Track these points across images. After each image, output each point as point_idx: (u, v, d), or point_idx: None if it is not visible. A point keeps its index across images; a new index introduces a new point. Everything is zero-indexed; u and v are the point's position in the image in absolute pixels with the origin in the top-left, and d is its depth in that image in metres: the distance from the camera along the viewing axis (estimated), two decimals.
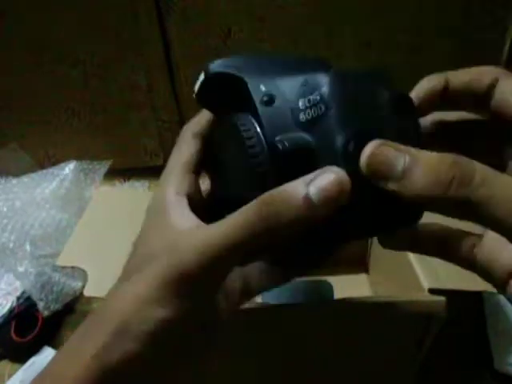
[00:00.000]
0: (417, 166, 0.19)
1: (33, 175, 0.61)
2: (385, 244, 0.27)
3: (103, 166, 0.63)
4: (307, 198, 0.19)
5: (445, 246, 0.24)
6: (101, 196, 0.56)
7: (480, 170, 0.19)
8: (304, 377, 0.42)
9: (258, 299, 0.53)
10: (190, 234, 0.22)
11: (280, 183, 0.20)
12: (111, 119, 0.66)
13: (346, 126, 0.21)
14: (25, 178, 0.60)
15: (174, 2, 0.56)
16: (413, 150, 0.20)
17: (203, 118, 0.27)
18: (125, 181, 0.70)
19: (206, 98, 0.25)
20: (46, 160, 0.69)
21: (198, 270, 0.21)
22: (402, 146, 0.20)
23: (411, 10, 0.57)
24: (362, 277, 0.59)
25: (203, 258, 0.20)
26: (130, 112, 0.64)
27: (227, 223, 0.21)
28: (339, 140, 0.21)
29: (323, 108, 0.22)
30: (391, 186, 0.20)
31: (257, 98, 0.22)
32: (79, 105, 0.65)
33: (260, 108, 0.21)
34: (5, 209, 0.56)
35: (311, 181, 0.19)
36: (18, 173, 0.62)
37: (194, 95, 0.25)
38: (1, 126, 0.66)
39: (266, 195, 0.20)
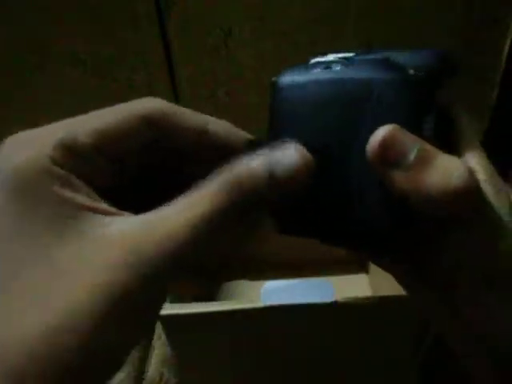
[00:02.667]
0: (431, 161, 0.19)
1: None
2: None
3: None
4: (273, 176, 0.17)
5: None
6: None
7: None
8: (304, 377, 0.42)
9: (258, 299, 0.53)
10: (140, 227, 0.16)
11: None
12: None
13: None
14: None
15: (174, 2, 0.56)
16: (428, 145, 0.19)
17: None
18: None
19: None
20: None
21: (164, 273, 0.16)
22: (419, 138, 0.19)
23: (411, 10, 0.57)
24: (362, 277, 0.59)
25: (170, 260, 0.16)
26: None
27: (186, 205, 0.17)
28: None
29: None
30: (397, 175, 0.19)
31: None
32: (79, 105, 0.65)
33: None
34: None
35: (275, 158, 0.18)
36: None
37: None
38: (1, 126, 0.66)
39: (231, 175, 0.17)
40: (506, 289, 0.20)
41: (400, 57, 0.22)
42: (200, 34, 0.59)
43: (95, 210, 0.17)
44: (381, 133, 0.19)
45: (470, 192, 0.18)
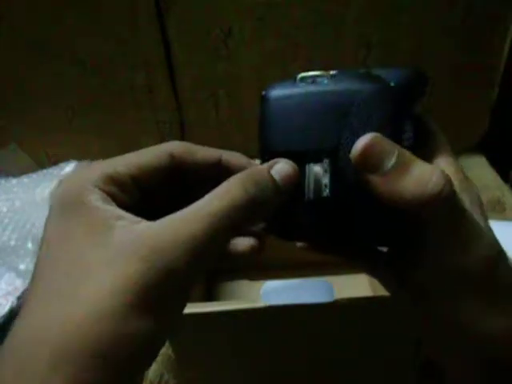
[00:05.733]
0: (408, 168, 0.20)
1: (33, 175, 0.61)
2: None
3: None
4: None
5: None
6: None
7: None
8: (304, 377, 0.42)
9: (258, 299, 0.53)
10: (163, 227, 0.19)
11: None
12: (111, 119, 0.66)
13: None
14: (25, 178, 0.60)
15: (174, 2, 0.56)
16: (407, 153, 0.20)
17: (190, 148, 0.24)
18: None
19: None
20: (45, 160, 0.69)
21: (185, 266, 0.18)
22: (398, 146, 0.21)
23: (411, 10, 0.57)
24: (362, 277, 0.59)
25: (190, 253, 0.18)
26: (130, 112, 0.64)
27: (206, 202, 0.19)
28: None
29: None
30: (377, 181, 0.20)
31: None
32: (79, 105, 0.65)
33: None
34: (5, 209, 0.56)
35: (274, 169, 0.22)
36: (17, 173, 0.62)
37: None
38: (1, 126, 0.66)
39: (244, 174, 0.21)
40: (483, 291, 0.21)
41: (379, 72, 0.23)
42: (200, 34, 0.59)
43: (123, 218, 0.19)
44: (362, 141, 0.20)
45: (446, 197, 0.19)
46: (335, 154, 0.22)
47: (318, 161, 0.23)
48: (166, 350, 0.47)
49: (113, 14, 0.57)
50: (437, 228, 0.21)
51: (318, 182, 0.23)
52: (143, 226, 0.19)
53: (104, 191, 0.20)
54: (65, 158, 0.63)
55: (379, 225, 0.23)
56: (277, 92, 0.24)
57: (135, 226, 0.19)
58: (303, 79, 0.24)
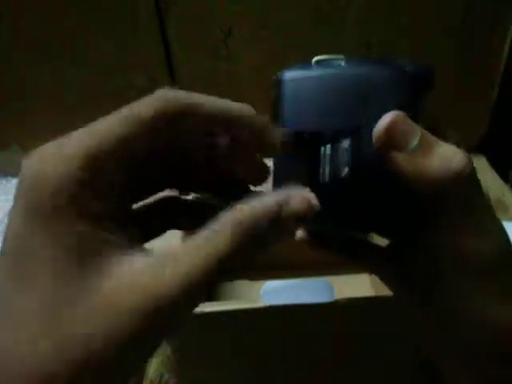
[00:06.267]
0: (433, 147, 0.20)
1: None
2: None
3: None
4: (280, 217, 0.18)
5: None
6: None
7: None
8: (304, 377, 0.42)
9: (258, 299, 0.53)
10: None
11: None
12: None
13: None
14: None
15: (174, 2, 0.56)
16: (428, 133, 0.21)
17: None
18: None
19: None
20: None
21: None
22: (420, 126, 0.21)
23: (411, 10, 0.57)
24: (362, 277, 0.59)
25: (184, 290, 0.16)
26: None
27: (201, 247, 0.16)
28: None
29: None
30: (401, 159, 0.20)
31: None
32: (79, 105, 0.65)
33: None
34: (5, 209, 0.56)
35: (284, 203, 0.18)
36: (18, 173, 0.62)
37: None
38: (1, 126, 0.66)
39: (239, 215, 0.17)
40: (493, 277, 0.21)
41: (393, 61, 0.23)
42: (200, 34, 0.59)
43: (118, 246, 0.16)
44: (387, 118, 0.20)
45: (469, 175, 0.20)
46: (355, 135, 0.22)
47: (335, 142, 0.22)
48: (165, 350, 0.47)
49: (113, 13, 0.57)
50: (455, 208, 0.21)
51: (335, 163, 0.22)
52: (138, 262, 0.16)
53: (85, 182, 0.16)
54: None
55: (396, 206, 0.22)
56: (292, 74, 0.24)
57: (130, 261, 0.16)
58: (318, 62, 0.24)
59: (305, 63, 0.24)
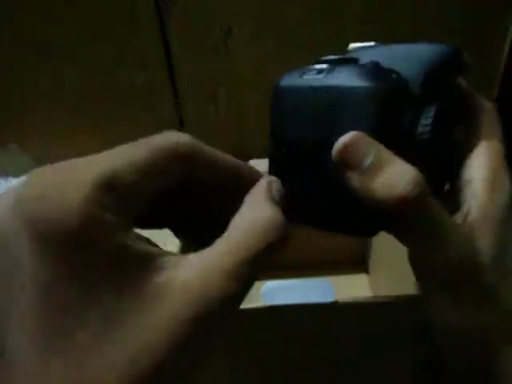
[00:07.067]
0: (383, 168, 0.20)
1: None
2: None
3: None
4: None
5: None
6: None
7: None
8: (304, 377, 0.42)
9: (258, 299, 0.53)
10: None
11: None
12: (111, 119, 0.66)
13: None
14: None
15: (174, 2, 0.56)
16: (386, 152, 0.21)
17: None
18: None
19: None
20: (45, 160, 0.68)
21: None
22: (379, 145, 0.21)
23: (411, 10, 0.57)
24: (362, 277, 0.59)
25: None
26: (130, 112, 0.64)
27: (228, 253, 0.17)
28: None
29: None
30: (353, 178, 0.21)
31: None
32: (79, 104, 0.65)
33: None
34: None
35: None
36: (17, 173, 0.62)
37: None
38: (0, 126, 0.66)
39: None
40: (459, 289, 0.22)
41: (396, 58, 0.24)
42: (200, 34, 0.59)
43: (151, 256, 0.16)
44: (344, 138, 0.21)
45: (413, 201, 0.20)
46: (322, 146, 0.22)
47: (306, 152, 0.23)
48: None
49: (113, 14, 0.57)
50: (404, 227, 0.21)
51: (306, 171, 0.24)
52: (177, 272, 0.16)
53: (112, 211, 0.15)
54: (65, 158, 0.63)
55: (359, 217, 0.23)
56: (285, 83, 0.25)
57: (167, 270, 0.16)
58: (311, 70, 0.25)
59: (301, 69, 0.25)
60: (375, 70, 0.23)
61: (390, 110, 0.22)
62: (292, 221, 0.24)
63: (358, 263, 0.58)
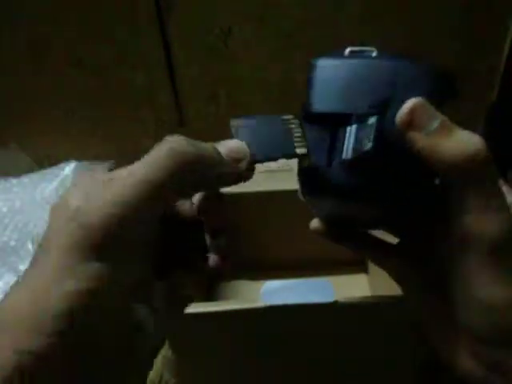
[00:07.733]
0: (451, 131, 0.21)
1: (33, 175, 0.61)
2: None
3: (103, 166, 0.63)
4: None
5: None
6: None
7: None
8: (304, 377, 0.42)
9: (258, 299, 0.53)
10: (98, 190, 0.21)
11: None
12: (111, 119, 0.66)
13: None
14: (25, 178, 0.60)
15: (174, 2, 0.56)
16: (448, 120, 0.22)
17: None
18: None
19: None
20: (45, 160, 0.68)
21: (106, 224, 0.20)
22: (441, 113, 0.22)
23: (411, 11, 0.57)
24: (362, 277, 0.59)
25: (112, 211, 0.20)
26: (130, 112, 0.65)
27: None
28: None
29: None
30: (420, 139, 0.22)
31: None
32: (79, 105, 0.65)
33: None
34: (5, 209, 0.56)
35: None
36: (17, 173, 0.62)
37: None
38: (1, 126, 0.66)
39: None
40: (499, 261, 0.22)
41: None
42: (200, 34, 0.59)
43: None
44: (412, 101, 0.22)
45: (484, 159, 0.21)
46: (381, 115, 0.23)
47: (361, 121, 0.24)
48: (165, 350, 0.47)
49: (113, 14, 0.57)
50: (468, 189, 0.22)
51: (359, 141, 0.24)
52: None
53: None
54: (65, 158, 0.63)
55: (412, 186, 0.24)
56: (325, 60, 0.26)
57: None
58: (352, 53, 0.26)
59: (337, 52, 0.27)
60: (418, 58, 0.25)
61: (446, 93, 0.24)
62: (321, 195, 0.25)
63: (358, 263, 0.58)
